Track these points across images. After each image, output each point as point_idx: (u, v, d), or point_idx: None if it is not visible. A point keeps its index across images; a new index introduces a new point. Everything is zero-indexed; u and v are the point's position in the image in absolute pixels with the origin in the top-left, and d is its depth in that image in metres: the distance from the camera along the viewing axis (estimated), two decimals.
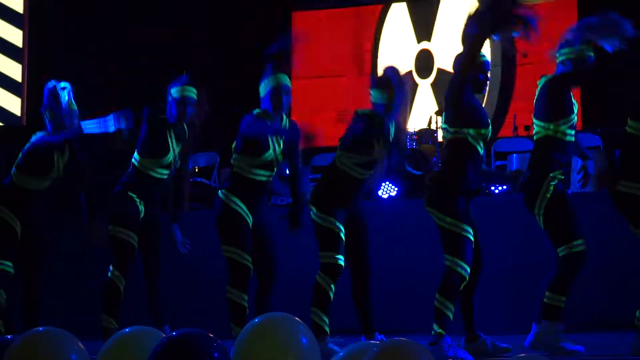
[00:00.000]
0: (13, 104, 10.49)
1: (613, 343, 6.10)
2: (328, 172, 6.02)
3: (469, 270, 5.42)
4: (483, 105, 6.26)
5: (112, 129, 6.15)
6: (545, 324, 5.46)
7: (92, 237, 6.47)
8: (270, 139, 5.89)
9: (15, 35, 10.59)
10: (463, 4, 11.37)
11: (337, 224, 5.72)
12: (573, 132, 5.59)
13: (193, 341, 2.88)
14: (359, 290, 5.84)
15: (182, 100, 6.18)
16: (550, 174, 5.49)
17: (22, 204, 6.31)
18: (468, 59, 5.43)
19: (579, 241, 5.47)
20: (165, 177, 6.29)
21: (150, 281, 6.26)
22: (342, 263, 5.70)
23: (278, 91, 5.89)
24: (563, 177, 5.55)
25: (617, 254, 7.04)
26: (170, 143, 6.24)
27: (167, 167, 6.27)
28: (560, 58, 5.59)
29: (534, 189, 5.53)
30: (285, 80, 5.94)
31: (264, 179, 5.95)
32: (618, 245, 6.86)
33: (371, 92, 5.93)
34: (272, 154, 5.91)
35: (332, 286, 5.66)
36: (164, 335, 3.04)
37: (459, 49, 5.53)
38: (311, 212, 5.78)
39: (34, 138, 6.38)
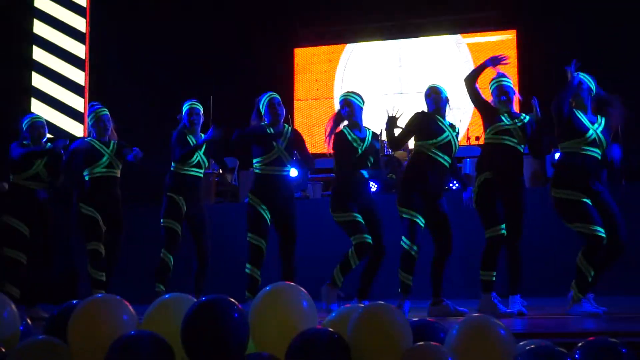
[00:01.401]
0: (76, 129, 10.46)
1: (548, 304, 6.08)
2: (333, 181, 6.03)
3: (416, 249, 5.44)
4: None
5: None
6: (483, 297, 5.46)
7: None
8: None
9: (78, 76, 10.55)
10: (434, 41, 11.42)
11: (351, 213, 5.66)
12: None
13: (218, 305, 2.86)
14: (371, 267, 5.78)
15: (191, 111, 6.46)
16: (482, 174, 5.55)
17: (102, 200, 6.46)
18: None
19: (501, 226, 5.46)
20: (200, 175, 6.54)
21: (201, 259, 6.42)
22: (370, 240, 5.61)
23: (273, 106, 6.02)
24: (491, 176, 5.53)
25: (553, 236, 7.05)
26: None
27: (197, 166, 6.49)
28: None
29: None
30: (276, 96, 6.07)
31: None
32: (553, 230, 6.85)
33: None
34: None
35: (357, 261, 5.62)
36: (195, 300, 2.99)
37: (424, 75, 5.60)
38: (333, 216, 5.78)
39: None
